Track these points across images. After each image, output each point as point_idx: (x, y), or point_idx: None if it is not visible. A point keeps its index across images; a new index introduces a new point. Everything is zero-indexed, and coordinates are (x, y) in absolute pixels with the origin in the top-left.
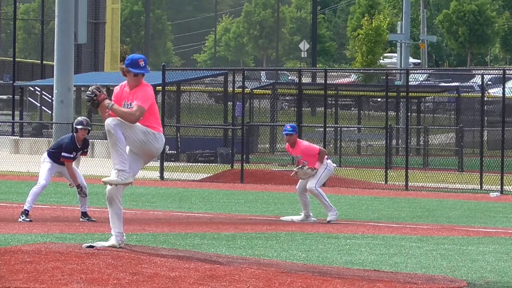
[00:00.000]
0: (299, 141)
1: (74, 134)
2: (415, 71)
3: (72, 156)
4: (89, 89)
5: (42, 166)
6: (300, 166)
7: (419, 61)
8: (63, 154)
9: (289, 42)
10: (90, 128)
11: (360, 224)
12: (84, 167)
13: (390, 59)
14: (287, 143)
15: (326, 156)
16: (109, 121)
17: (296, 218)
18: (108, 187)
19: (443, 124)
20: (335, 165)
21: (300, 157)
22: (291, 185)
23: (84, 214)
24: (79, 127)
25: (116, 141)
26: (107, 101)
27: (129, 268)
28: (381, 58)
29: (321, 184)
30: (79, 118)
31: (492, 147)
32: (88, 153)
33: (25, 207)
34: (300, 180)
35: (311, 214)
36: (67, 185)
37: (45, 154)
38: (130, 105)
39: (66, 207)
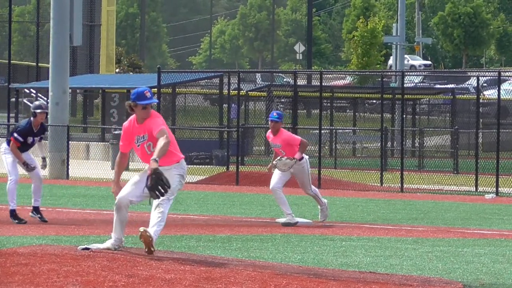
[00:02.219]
0: (282, 130)
1: (32, 118)
2: (410, 74)
3: (22, 140)
4: (148, 184)
5: (5, 160)
6: (279, 158)
7: (429, 62)
8: (13, 134)
9: (284, 44)
10: (47, 112)
11: (355, 226)
12: (80, 169)
13: None
14: (269, 130)
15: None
16: (162, 202)
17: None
18: (120, 194)
19: (439, 126)
20: (307, 156)
21: (279, 146)
22: (286, 187)
23: (36, 210)
24: (38, 111)
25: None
26: (152, 163)
27: (124, 270)
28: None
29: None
30: (37, 102)
31: (487, 149)
32: (44, 139)
33: (10, 208)
34: (272, 178)
35: (291, 213)
36: (62, 187)
37: (5, 144)
38: (143, 138)
39: (61, 210)
